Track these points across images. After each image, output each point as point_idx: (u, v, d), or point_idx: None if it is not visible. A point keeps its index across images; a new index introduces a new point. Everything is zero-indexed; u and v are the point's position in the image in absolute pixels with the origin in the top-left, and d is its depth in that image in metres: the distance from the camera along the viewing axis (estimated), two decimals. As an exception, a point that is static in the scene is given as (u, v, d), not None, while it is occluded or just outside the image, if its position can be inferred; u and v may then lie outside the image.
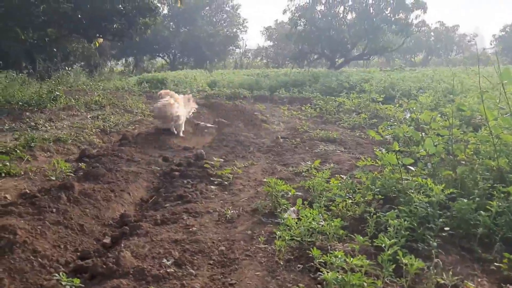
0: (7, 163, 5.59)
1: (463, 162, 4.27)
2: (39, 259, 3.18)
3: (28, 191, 4.74)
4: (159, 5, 22.16)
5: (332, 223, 3.39)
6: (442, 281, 2.73)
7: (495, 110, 4.27)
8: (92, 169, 5.61)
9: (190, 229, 3.80)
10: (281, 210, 4.13)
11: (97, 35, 21.48)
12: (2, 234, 3.33)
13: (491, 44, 55.71)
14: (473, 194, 3.67)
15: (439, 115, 5.40)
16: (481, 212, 3.31)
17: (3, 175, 5.29)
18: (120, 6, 20.02)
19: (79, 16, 19.63)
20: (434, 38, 56.81)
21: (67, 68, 21.96)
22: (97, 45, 22.79)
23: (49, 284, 2.89)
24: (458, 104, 5.40)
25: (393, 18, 31.59)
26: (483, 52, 39.25)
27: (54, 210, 4.04)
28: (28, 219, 3.77)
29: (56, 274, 2.99)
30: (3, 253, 3.14)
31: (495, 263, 3.02)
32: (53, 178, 5.43)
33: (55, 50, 21.89)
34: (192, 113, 10.27)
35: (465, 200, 3.43)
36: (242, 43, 55.13)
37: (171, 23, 46.01)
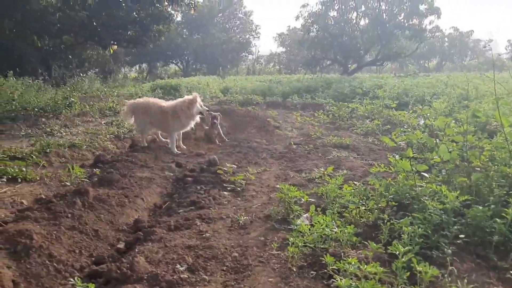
0: (24, 169, 5.67)
1: (478, 169, 4.22)
2: (55, 264, 3.22)
3: (44, 197, 4.81)
4: (173, 12, 22.38)
5: (346, 230, 3.38)
6: (457, 289, 2.71)
7: (511, 116, 4.23)
8: (106, 175, 5.67)
9: (203, 235, 3.82)
10: (294, 216, 4.13)
11: (112, 42, 21.77)
12: (18, 239, 3.38)
13: (506, 50, 55.09)
14: (488, 201, 3.63)
15: (454, 121, 5.36)
16: (497, 219, 3.27)
17: (19, 180, 5.37)
18: (134, 14, 20.29)
19: (94, 24, 19.92)
20: (448, 43, 56.38)
21: (82, 75, 22.25)
22: (112, 52, 23.08)
23: (65, 288, 2.92)
24: (473, 110, 5.35)
25: (406, 24, 31.52)
26: (498, 58, 38.83)
27: (69, 215, 4.09)
28: (44, 224, 3.81)
29: (71, 279, 3.02)
30: (19, 257, 3.19)
31: (511, 271, 2.98)
32: (68, 183, 5.50)
33: (70, 57, 22.25)
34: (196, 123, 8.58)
35: (480, 207, 3.39)
36: (254, 49, 55.44)
37: (185, 30, 46.46)
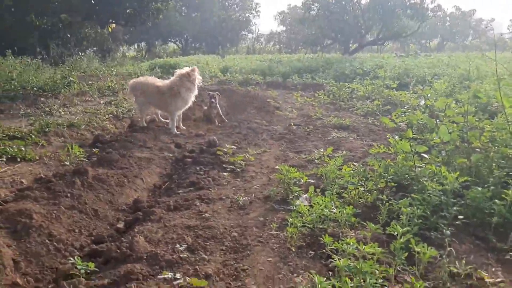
0: (23, 148, 5.67)
1: (478, 150, 4.21)
2: (55, 243, 3.24)
3: (43, 176, 4.82)
4: (171, -11, 22.09)
5: (344, 211, 3.39)
6: (455, 270, 2.72)
7: (512, 97, 4.20)
8: (105, 155, 5.67)
9: (203, 215, 3.83)
10: (293, 197, 4.14)
11: (110, 20, 21.52)
12: (18, 218, 3.39)
13: (508, 30, 54.63)
14: (488, 182, 3.63)
15: (454, 102, 5.33)
16: (496, 200, 3.28)
17: (18, 160, 5.37)
18: (132, -9, 20.02)
19: (92, 1, 19.66)
20: (450, 23, 55.85)
21: (80, 54, 22.04)
22: (110, 30, 22.84)
23: (65, 267, 2.94)
24: (474, 90, 5.32)
25: (408, 3, 31.08)
26: (500, 38, 38.51)
27: (69, 194, 4.10)
28: (43, 203, 3.82)
29: (71, 258, 3.04)
30: (19, 236, 3.21)
31: (510, 253, 3.00)
32: (67, 163, 5.51)
33: (68, 35, 21.98)
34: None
35: (480, 189, 3.40)
36: (254, 28, 54.75)
37: (183, 8, 45.80)
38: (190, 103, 8.15)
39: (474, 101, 6.02)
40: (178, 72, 8.08)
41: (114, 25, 22.33)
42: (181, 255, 3.06)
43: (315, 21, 32.68)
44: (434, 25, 51.44)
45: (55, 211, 3.67)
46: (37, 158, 5.55)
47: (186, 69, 7.99)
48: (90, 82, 13.07)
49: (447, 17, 55.19)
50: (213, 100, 9.26)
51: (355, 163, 4.90)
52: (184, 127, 8.43)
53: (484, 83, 8.57)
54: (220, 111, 9.48)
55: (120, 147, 6.25)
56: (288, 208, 3.95)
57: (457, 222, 3.30)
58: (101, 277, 2.82)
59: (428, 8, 31.93)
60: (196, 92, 8.06)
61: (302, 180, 4.42)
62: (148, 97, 8.03)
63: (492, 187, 3.49)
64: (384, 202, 3.48)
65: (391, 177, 4.10)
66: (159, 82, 8.20)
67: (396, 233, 2.74)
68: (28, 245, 3.12)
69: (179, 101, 7.88)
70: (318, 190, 4.12)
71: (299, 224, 3.34)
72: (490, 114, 5.97)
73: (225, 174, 5.28)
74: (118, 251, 3.12)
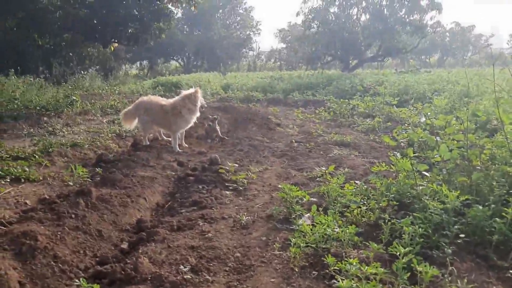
0: (26, 169, 5.72)
1: (479, 168, 4.24)
2: (60, 265, 3.26)
3: (47, 197, 4.85)
4: (173, 9, 22.39)
5: (347, 230, 3.42)
6: (457, 289, 2.74)
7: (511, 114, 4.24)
8: (108, 174, 5.71)
9: (206, 235, 3.86)
10: (295, 216, 4.16)
11: (112, 39, 21.77)
12: (23, 240, 3.42)
13: (507, 44, 54.89)
14: (488, 200, 3.66)
15: (454, 119, 5.38)
16: (497, 219, 3.30)
17: (22, 180, 5.41)
18: (135, 11, 20.31)
19: (95, 21, 19.94)
20: (450, 38, 56.24)
21: (82, 72, 22.27)
22: (112, 49, 23.08)
23: (70, 289, 2.96)
24: (472, 109, 5.37)
25: (407, 19, 31.46)
26: (500, 53, 38.74)
27: (73, 215, 4.12)
28: (48, 224, 3.85)
29: (76, 280, 3.06)
30: (25, 258, 3.23)
31: (511, 271, 3.01)
32: (71, 183, 5.54)
33: (71, 54, 22.25)
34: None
35: (480, 207, 3.42)
36: (255, 45, 55.35)
37: (185, 26, 46.38)
38: (191, 123, 8.24)
39: (473, 119, 6.07)
40: (182, 93, 8.21)
41: (116, 44, 22.57)
42: (185, 276, 3.08)
43: (315, 39, 32.98)
44: (434, 40, 51.80)
45: (59, 232, 3.69)
46: (41, 178, 5.59)
47: (190, 91, 8.09)
48: (92, 101, 13.20)
49: (446, 33, 55.59)
50: (210, 123, 9.39)
51: (357, 181, 4.93)
52: (186, 145, 8.49)
53: (483, 99, 8.63)
54: (219, 133, 9.51)
55: (123, 167, 6.30)
56: (290, 227, 3.98)
57: (458, 241, 3.32)
58: (106, 299, 2.84)
59: (427, 25, 32.30)
60: (198, 113, 8.14)
61: (305, 199, 4.45)
62: (153, 115, 8.12)
63: (492, 205, 3.51)
64: (386, 221, 3.50)
65: (393, 195, 4.13)
66: (163, 101, 8.31)
67: (398, 253, 2.76)
68: (34, 267, 3.14)
69: (182, 121, 7.97)
70: (320, 209, 4.15)
71: (302, 244, 3.36)
72: (490, 132, 6.01)
73: (227, 192, 5.32)
74: (123, 272, 3.14)
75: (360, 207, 4.05)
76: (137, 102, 8.54)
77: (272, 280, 3.06)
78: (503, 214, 3.31)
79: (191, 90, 8.07)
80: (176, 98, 8.20)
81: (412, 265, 2.71)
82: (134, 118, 8.39)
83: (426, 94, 12.86)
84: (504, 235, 3.28)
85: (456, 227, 3.38)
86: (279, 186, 4.91)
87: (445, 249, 3.18)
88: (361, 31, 32.92)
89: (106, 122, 10.34)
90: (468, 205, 3.63)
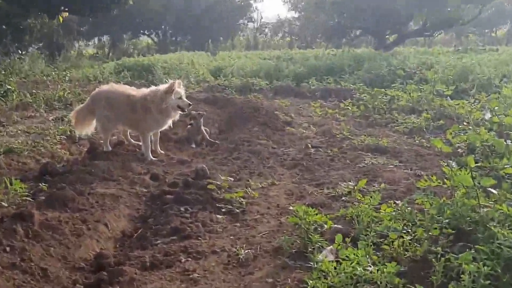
0: None
1: None
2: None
3: (-29, 223, 4.84)
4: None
5: (385, 269, 3.40)
6: None
7: None
8: (56, 192, 5.70)
9: (190, 276, 3.85)
10: (313, 249, 4.15)
11: (62, 8, 21.72)
12: None
13: None
14: None
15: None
16: None
17: None
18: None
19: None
20: (523, 5, 56.30)
21: (20, 52, 22.30)
22: (61, 20, 23.05)
23: None
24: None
25: (464, -21, 31.43)
26: None
27: (8, 248, 4.11)
28: (-29, 261, 3.85)
29: None
30: None
31: None
32: (5, 204, 5.51)
33: (4, 27, 22.24)
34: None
35: None
36: (256, 14, 55.33)
37: (161, -10, 46.45)
38: (165, 126, 8.27)
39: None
40: (160, 85, 8.20)
41: (66, 14, 22.52)
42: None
43: (338, 4, 32.95)
44: (501, 8, 51.84)
45: (-12, 272, 3.68)
46: (-37, 197, 5.58)
47: (165, 85, 7.96)
48: (34, 91, 13.19)
49: (518, -3, 55.65)
50: (192, 122, 9.27)
51: (397, 201, 4.92)
52: (162, 151, 8.46)
53: None
54: (206, 135, 9.43)
55: (76, 181, 6.29)
56: (306, 265, 3.97)
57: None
58: None
59: (492, -13, 32.24)
60: (176, 116, 8.09)
61: (326, 226, 4.44)
62: (116, 109, 8.10)
63: None
64: (439, 256, 3.49)
65: (447, 221, 4.11)
66: (133, 91, 8.27)
67: (456, 300, 2.75)
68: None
69: (151, 120, 7.94)
70: (347, 239, 4.13)
71: (322, 288, 3.35)
72: None
73: (219, 216, 5.32)
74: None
75: (403, 237, 4.03)
76: (94, 93, 8.50)
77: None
78: None
79: (167, 84, 7.92)
80: (151, 88, 8.18)
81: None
82: (91, 118, 8.32)
83: (492, 81, 12.85)
84: None
85: (535, 264, 3.36)
86: (290, 208, 4.90)
87: (521, 294, 3.17)
88: (402, -5, 32.92)
89: (52, 120, 10.33)
90: (551, 234, 3.62)
